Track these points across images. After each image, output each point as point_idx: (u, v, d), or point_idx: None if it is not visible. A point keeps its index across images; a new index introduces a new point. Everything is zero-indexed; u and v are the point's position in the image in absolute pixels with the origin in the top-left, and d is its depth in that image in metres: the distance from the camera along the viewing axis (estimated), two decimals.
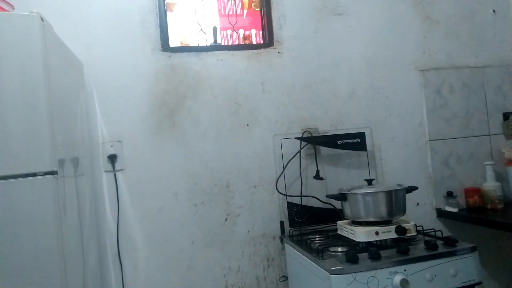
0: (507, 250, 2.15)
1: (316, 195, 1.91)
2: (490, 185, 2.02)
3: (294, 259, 1.69)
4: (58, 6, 1.76)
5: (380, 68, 2.09)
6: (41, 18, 1.18)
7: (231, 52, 1.95)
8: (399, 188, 1.58)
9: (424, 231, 1.61)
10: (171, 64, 1.88)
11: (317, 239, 1.71)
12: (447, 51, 2.18)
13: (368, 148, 1.99)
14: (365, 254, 1.39)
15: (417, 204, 2.08)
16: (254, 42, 2.07)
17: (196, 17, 2.01)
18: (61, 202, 1.20)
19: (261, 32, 2.08)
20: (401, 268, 1.34)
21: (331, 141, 1.94)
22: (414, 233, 1.51)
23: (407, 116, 2.11)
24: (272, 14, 2.01)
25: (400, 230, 1.47)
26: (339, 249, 1.50)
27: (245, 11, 2.08)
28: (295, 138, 1.94)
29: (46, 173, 1.14)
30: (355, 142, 1.95)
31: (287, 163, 1.92)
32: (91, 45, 1.80)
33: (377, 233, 1.48)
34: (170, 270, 1.83)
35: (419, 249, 1.45)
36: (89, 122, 1.78)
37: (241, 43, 2.06)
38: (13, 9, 1.36)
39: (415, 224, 1.54)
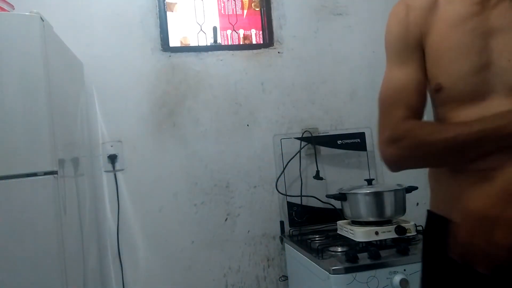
0: None
1: (316, 195, 1.91)
2: None
3: (294, 259, 1.70)
4: (58, 6, 1.76)
5: (380, 68, 2.08)
6: (41, 18, 1.18)
7: (231, 52, 1.95)
8: (399, 188, 1.58)
9: None
10: (171, 64, 1.88)
11: (317, 239, 1.71)
12: None
13: (368, 148, 1.99)
14: (365, 254, 1.39)
15: (417, 204, 2.08)
16: (254, 42, 2.07)
17: (196, 17, 2.01)
18: (61, 202, 1.20)
19: (261, 32, 2.08)
20: (401, 268, 1.34)
21: (331, 141, 1.94)
22: (414, 233, 1.51)
23: None
24: (272, 14, 2.01)
25: (400, 230, 1.47)
26: (339, 249, 1.50)
27: (245, 11, 2.08)
28: (295, 138, 1.94)
29: (46, 173, 1.14)
30: (355, 142, 1.96)
31: (287, 163, 1.92)
32: (91, 45, 1.80)
33: (377, 233, 1.48)
34: (170, 270, 1.83)
35: (419, 249, 1.44)
36: (89, 122, 1.78)
37: (241, 43, 2.06)
38: (13, 9, 1.36)
39: (415, 224, 1.54)
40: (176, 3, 2.00)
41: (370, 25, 2.09)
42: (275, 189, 1.91)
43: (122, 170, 1.81)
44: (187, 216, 1.86)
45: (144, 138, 1.84)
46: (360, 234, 1.49)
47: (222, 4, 2.06)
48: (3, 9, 1.31)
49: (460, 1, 0.75)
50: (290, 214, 1.89)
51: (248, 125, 1.94)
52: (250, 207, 1.92)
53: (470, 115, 0.69)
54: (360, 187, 1.63)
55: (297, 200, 1.90)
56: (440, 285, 0.78)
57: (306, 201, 1.91)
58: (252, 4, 2.09)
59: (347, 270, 1.31)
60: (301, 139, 1.93)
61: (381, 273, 1.32)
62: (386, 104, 0.82)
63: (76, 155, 1.47)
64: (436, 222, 0.80)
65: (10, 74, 1.13)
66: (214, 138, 1.90)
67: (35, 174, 1.13)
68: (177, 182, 1.86)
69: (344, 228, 1.61)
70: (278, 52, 1.99)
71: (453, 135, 0.67)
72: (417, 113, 0.78)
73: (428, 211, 0.85)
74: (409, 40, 0.82)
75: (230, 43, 2.05)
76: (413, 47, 0.81)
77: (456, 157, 0.70)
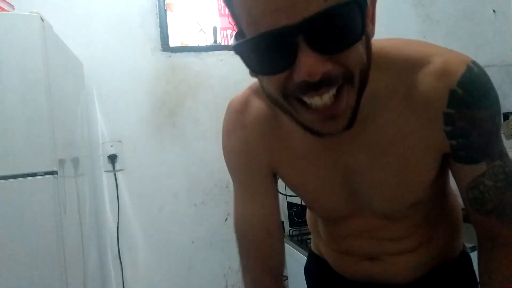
0: None
1: None
2: None
3: (294, 259, 1.69)
4: (58, 6, 1.76)
5: None
6: (41, 18, 1.18)
7: (231, 52, 1.94)
8: None
9: None
10: (171, 64, 1.88)
11: None
12: None
13: None
14: None
15: None
16: None
17: (196, 17, 2.01)
18: (61, 202, 1.20)
19: None
20: None
21: None
22: None
23: None
24: None
25: None
26: None
27: None
28: None
29: (46, 173, 1.14)
30: None
31: None
32: (91, 45, 1.80)
33: None
34: (170, 270, 1.83)
35: None
36: (89, 122, 1.78)
37: None
38: (13, 9, 1.36)
39: None
40: (176, 3, 2.00)
41: None
42: None
43: (122, 170, 1.81)
44: (187, 216, 1.86)
45: (144, 138, 1.83)
46: None
47: (222, 4, 2.06)
48: (3, 9, 1.31)
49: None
50: (290, 214, 1.89)
51: None
52: None
53: (343, 229, 0.75)
54: None
55: (297, 200, 1.89)
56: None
57: None
58: None
59: None
60: None
61: None
62: (243, 249, 0.76)
63: (76, 155, 1.47)
64: (314, 259, 0.91)
65: (10, 74, 1.13)
66: (214, 138, 1.90)
67: (35, 174, 1.13)
68: (177, 182, 1.85)
69: None
70: None
71: None
72: (277, 273, 0.78)
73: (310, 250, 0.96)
74: (253, 169, 0.74)
75: (230, 43, 2.05)
76: (261, 176, 0.74)
77: None
